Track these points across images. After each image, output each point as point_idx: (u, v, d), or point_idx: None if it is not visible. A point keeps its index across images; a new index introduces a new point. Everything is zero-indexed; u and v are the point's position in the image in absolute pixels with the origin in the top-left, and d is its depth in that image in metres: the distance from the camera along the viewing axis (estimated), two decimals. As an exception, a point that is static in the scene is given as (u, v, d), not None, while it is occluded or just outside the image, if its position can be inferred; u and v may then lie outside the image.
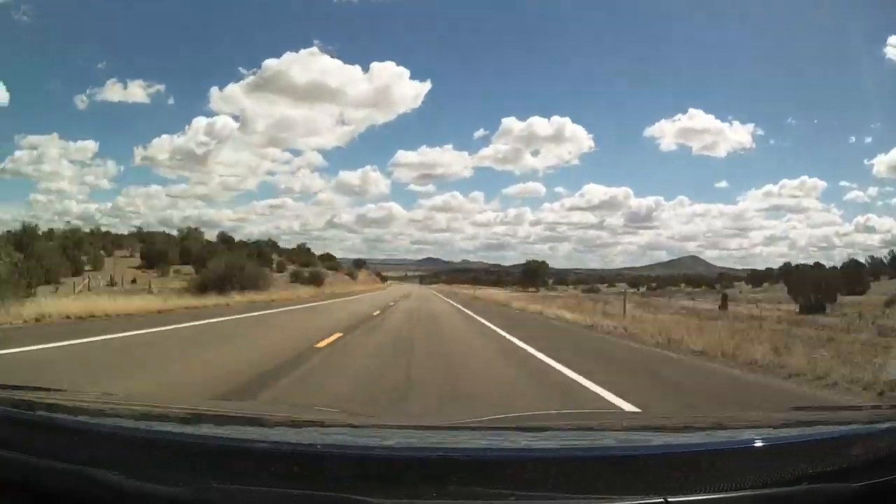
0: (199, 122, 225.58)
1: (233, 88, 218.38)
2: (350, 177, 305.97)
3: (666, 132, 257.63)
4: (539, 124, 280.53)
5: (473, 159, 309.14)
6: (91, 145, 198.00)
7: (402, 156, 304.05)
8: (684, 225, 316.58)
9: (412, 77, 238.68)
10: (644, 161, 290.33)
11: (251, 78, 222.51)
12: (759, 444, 1.31)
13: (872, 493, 1.13)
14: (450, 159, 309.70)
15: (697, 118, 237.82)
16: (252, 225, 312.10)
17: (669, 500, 1.05)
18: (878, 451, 1.20)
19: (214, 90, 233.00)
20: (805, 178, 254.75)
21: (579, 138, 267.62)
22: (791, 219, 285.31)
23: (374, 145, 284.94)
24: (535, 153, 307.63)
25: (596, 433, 1.78)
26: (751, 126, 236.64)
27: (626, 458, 1.21)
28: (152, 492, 1.10)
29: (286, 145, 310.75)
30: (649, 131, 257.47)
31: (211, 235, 79.91)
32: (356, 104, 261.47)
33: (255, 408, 3.17)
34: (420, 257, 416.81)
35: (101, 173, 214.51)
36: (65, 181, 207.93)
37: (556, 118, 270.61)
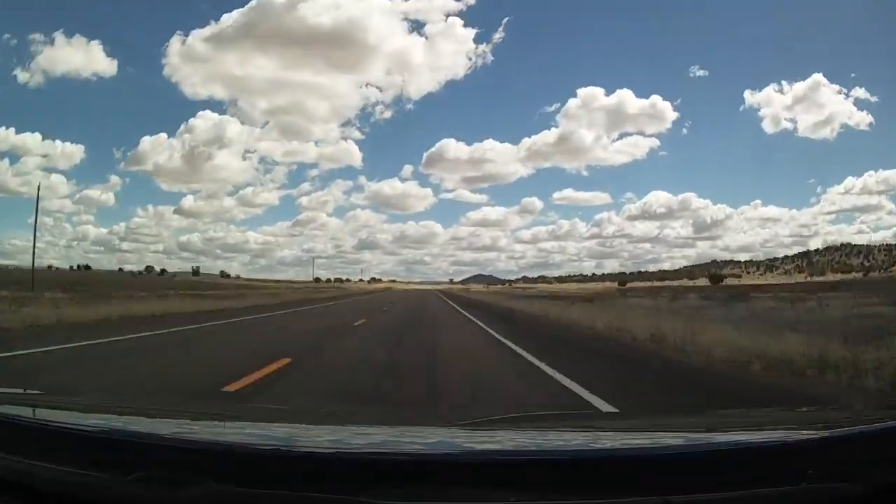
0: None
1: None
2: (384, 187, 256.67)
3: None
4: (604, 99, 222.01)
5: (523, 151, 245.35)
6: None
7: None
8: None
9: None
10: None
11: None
12: (758, 444, 1.31)
13: (872, 494, 1.13)
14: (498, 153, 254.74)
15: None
16: (279, 248, 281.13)
17: (669, 500, 1.05)
18: (878, 452, 1.20)
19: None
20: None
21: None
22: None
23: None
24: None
25: (595, 434, 1.78)
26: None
27: (626, 459, 1.21)
28: (152, 495, 1.10)
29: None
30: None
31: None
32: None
33: (254, 410, 3.17)
34: (461, 277, 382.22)
35: (102, 188, 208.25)
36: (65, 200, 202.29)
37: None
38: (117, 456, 1.19)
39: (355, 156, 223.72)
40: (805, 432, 1.50)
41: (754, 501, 1.09)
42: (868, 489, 1.12)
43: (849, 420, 1.72)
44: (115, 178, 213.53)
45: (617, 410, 5.41)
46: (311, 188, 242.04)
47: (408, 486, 1.08)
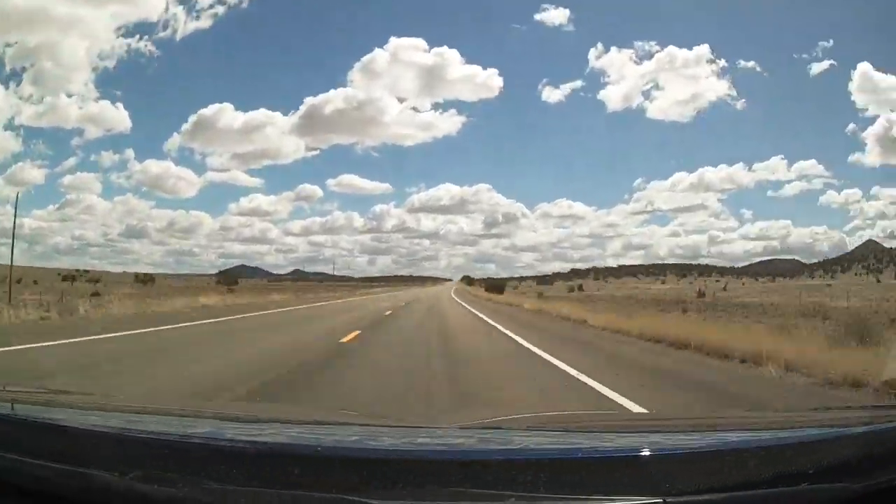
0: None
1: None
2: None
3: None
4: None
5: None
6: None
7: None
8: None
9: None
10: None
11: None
12: (758, 444, 1.31)
13: (872, 494, 1.13)
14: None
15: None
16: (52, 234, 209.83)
17: (668, 500, 1.05)
18: (879, 452, 1.20)
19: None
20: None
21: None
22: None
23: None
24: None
25: (595, 434, 1.78)
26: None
27: (626, 459, 1.21)
28: (151, 492, 1.10)
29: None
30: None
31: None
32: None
33: (253, 409, 3.17)
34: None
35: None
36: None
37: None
38: (116, 454, 1.19)
39: (123, 121, 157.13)
40: (805, 432, 1.50)
41: (754, 501, 1.09)
42: (868, 489, 1.12)
43: (849, 420, 1.72)
44: None
45: (616, 411, 5.43)
46: (77, 163, 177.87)
47: (406, 486, 1.08)
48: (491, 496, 1.06)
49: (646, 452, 1.26)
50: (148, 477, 1.11)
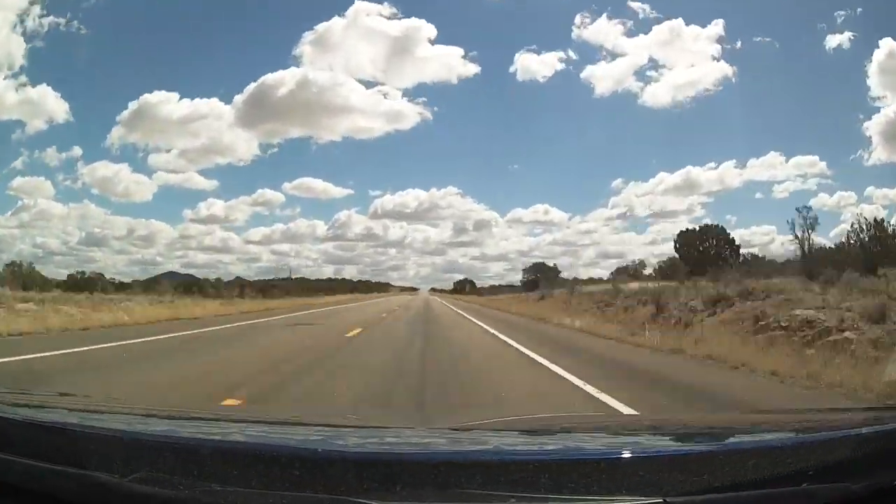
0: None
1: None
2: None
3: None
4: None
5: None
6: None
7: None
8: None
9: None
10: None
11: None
12: (758, 444, 1.31)
13: (872, 494, 1.13)
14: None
15: None
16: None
17: (669, 500, 1.05)
18: (878, 453, 1.20)
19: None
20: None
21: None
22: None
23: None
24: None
25: (595, 435, 1.78)
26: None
27: (626, 460, 1.21)
28: (152, 494, 1.10)
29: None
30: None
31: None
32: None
33: (254, 410, 3.18)
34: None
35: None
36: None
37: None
38: (117, 455, 1.18)
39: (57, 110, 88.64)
40: (805, 432, 1.50)
41: (755, 501, 1.09)
42: (868, 489, 1.12)
43: (849, 420, 1.72)
44: None
45: (615, 411, 5.42)
46: (25, 163, 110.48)
47: (407, 487, 1.08)
48: (492, 497, 1.06)
49: (646, 453, 1.26)
50: (148, 478, 1.11)
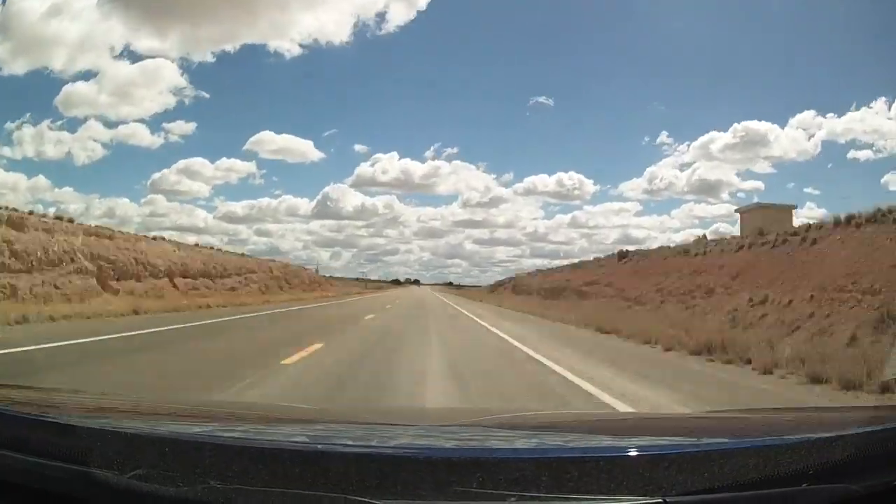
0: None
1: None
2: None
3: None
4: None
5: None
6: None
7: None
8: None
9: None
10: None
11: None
12: (758, 443, 1.31)
13: (872, 495, 1.13)
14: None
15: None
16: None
17: (669, 500, 1.05)
18: (878, 453, 1.20)
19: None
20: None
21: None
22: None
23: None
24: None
25: (595, 433, 1.78)
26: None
27: (625, 458, 1.21)
28: (152, 492, 1.10)
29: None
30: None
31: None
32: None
33: (255, 407, 3.18)
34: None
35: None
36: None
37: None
38: (116, 452, 1.19)
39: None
40: (805, 432, 1.50)
41: (754, 501, 1.09)
42: (868, 489, 1.13)
43: (849, 420, 1.73)
44: None
45: (615, 410, 5.44)
46: None
47: (408, 485, 1.08)
48: (492, 496, 1.06)
49: (646, 452, 1.26)
50: (149, 476, 1.11)
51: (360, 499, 1.04)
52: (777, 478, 1.10)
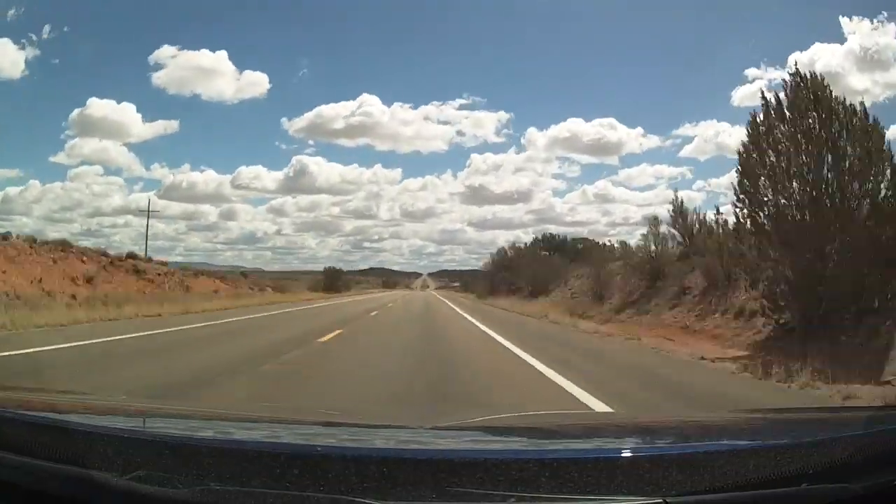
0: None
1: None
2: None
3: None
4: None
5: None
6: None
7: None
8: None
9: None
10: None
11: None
12: (758, 444, 1.31)
13: (872, 495, 1.13)
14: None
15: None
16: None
17: (669, 500, 1.05)
18: (878, 453, 1.20)
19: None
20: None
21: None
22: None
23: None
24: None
25: (595, 434, 1.78)
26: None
27: (626, 459, 1.21)
28: (151, 493, 1.10)
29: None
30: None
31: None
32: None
33: (254, 409, 3.18)
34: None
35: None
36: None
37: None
38: (116, 454, 1.19)
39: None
40: (805, 432, 1.50)
41: (754, 501, 1.09)
42: (868, 489, 1.13)
43: (849, 420, 1.73)
44: None
45: (617, 411, 5.43)
46: None
47: (406, 486, 1.08)
48: (491, 496, 1.06)
49: (646, 453, 1.26)
50: (148, 477, 1.11)
51: (359, 500, 1.04)
52: (777, 478, 1.10)
